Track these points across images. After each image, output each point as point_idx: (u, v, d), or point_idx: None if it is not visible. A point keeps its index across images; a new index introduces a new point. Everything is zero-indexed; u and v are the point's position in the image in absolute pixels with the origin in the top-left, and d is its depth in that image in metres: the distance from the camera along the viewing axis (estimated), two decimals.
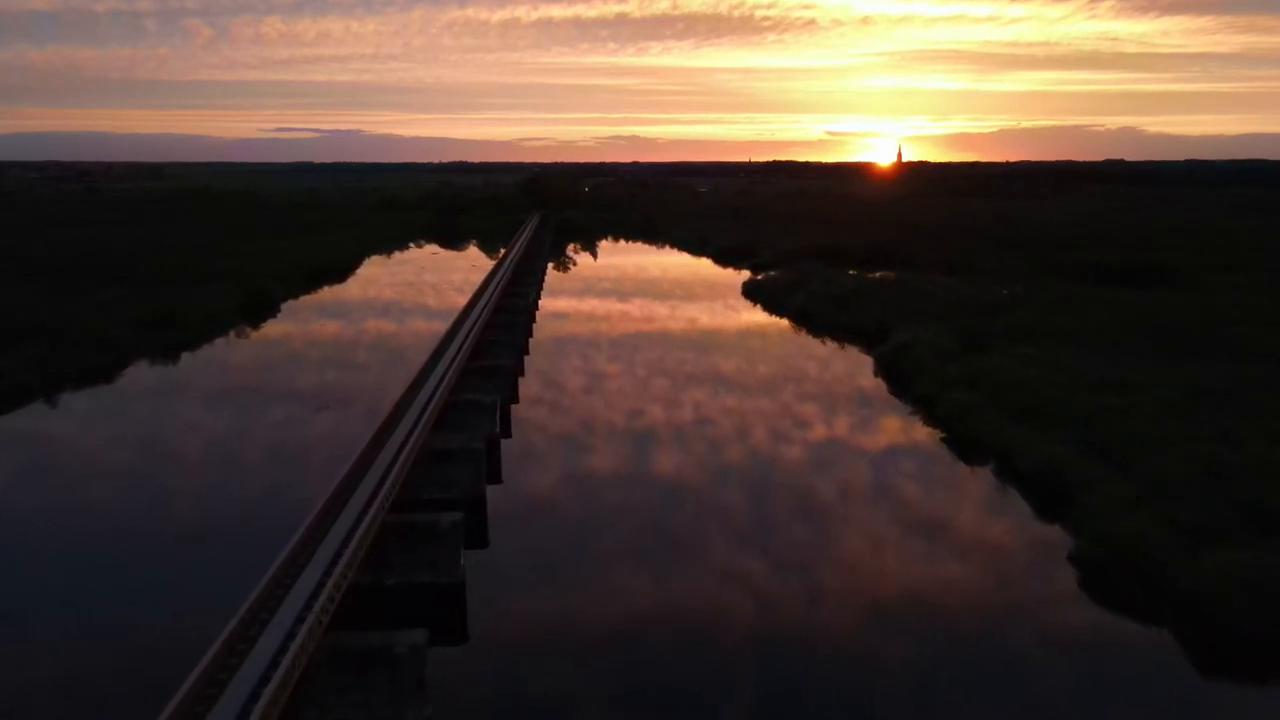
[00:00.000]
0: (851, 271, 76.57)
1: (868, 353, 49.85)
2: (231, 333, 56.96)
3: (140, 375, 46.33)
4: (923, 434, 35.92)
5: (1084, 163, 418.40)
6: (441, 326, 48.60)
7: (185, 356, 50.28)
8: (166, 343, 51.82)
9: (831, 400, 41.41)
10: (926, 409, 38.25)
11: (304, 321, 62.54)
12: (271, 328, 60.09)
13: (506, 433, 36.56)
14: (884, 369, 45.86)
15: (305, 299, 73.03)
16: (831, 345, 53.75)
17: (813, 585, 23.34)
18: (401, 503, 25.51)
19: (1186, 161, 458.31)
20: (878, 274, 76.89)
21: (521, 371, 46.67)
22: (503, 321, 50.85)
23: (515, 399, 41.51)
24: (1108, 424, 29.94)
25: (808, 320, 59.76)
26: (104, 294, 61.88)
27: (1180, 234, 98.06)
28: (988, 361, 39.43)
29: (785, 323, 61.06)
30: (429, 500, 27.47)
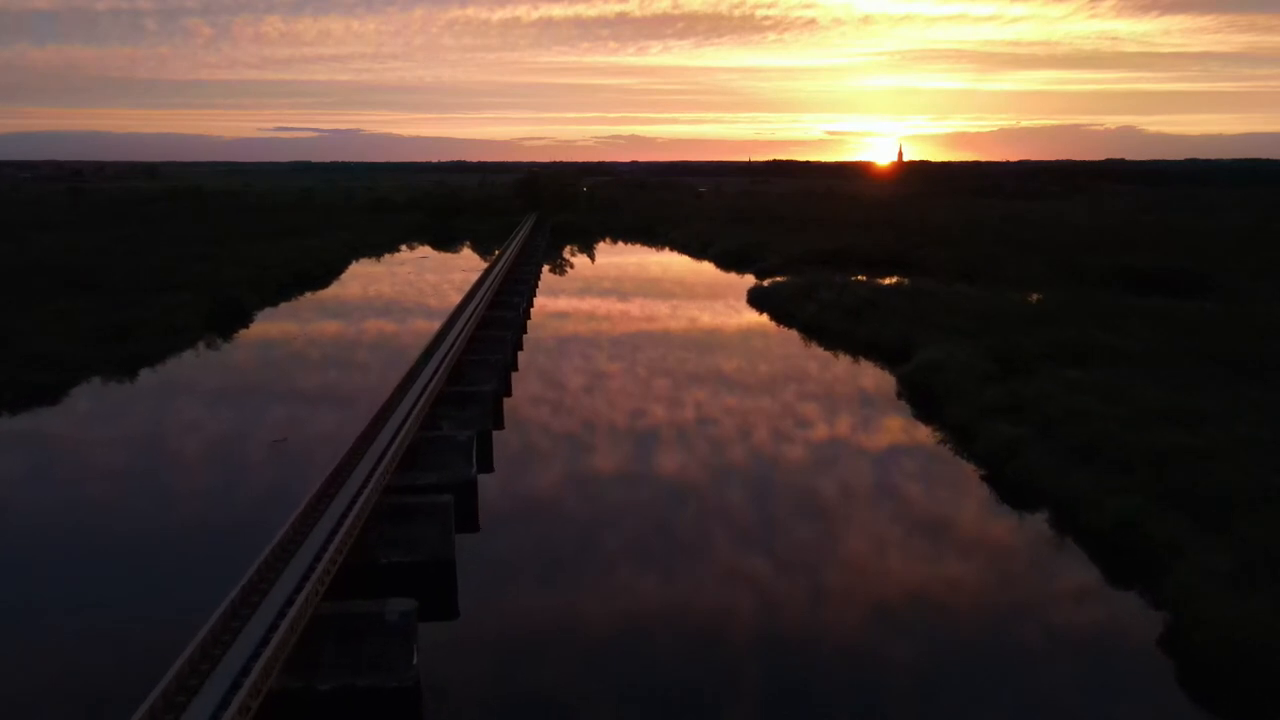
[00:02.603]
0: (861, 277, 72.20)
1: (889, 371, 45.40)
2: (195, 347, 52.38)
3: (89, 394, 41.94)
4: (961, 471, 31.43)
5: (1083, 162, 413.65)
6: (425, 335, 45.07)
7: (141, 374, 45.77)
8: (123, 357, 47.37)
9: (850, 427, 37.00)
10: (963, 441, 33.74)
11: (276, 334, 57.96)
12: (240, 341, 55.53)
13: (487, 466, 32.22)
14: (908, 391, 41.36)
15: (283, 306, 68.63)
16: (847, 361, 49.27)
17: (854, 657, 18.96)
18: (352, 567, 21.23)
19: (1187, 161, 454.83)
20: (891, 280, 72.64)
21: (508, 392, 42.33)
22: (488, 337, 46.33)
23: (500, 424, 37.18)
24: (1186, 468, 25.47)
25: (820, 332, 55.28)
26: (64, 303, 57.54)
27: (1201, 236, 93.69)
28: (1031, 386, 34.98)
29: (795, 334, 56.55)
30: (386, 564, 23.26)
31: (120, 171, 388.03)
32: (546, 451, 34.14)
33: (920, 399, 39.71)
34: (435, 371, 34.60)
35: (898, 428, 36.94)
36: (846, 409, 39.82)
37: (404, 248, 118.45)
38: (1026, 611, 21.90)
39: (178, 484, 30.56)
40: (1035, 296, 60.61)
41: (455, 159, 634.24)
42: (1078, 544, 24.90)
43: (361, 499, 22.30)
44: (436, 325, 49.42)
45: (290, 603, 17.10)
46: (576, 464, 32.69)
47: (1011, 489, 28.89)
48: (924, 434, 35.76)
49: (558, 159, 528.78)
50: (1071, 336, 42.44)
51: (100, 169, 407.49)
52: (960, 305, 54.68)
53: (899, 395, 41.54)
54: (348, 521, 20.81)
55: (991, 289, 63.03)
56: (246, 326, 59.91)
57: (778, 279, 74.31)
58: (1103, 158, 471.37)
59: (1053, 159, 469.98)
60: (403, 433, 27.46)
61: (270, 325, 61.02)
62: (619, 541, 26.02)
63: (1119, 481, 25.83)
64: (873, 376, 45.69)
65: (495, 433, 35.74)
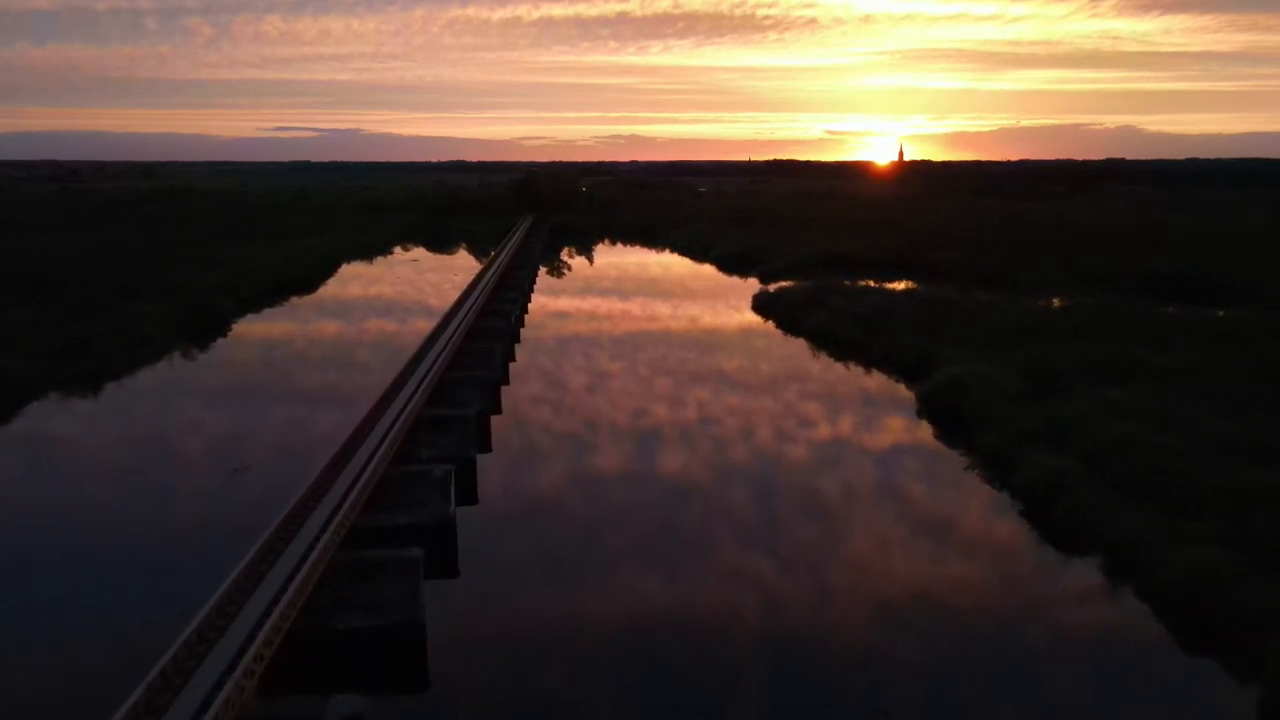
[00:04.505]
0: (871, 283, 69.03)
1: (908, 387, 42.17)
2: (164, 360, 49.04)
3: (40, 414, 38.76)
4: (997, 508, 28.21)
5: (1083, 162, 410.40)
6: (412, 343, 43.11)
7: (101, 392, 42.53)
8: (83, 374, 44.07)
9: (868, 452, 33.78)
10: (997, 472, 30.41)
11: (251, 346, 54.43)
12: (213, 354, 52.09)
13: (471, 497, 29.01)
14: (930, 411, 38.09)
15: (265, 312, 65.45)
16: (860, 374, 46.03)
17: None
18: (302, 634, 18.11)
19: (1187, 160, 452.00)
20: (903, 285, 69.59)
21: (497, 409, 39.10)
22: (475, 350, 43.09)
23: (487, 447, 33.98)
24: (1265, 513, 22.23)
25: (830, 343, 51.97)
26: (27, 311, 54.30)
27: (1204, 237, 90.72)
28: (1070, 408, 31.73)
29: (804, 344, 53.26)
30: (344, 630, 19.99)
31: (119, 171, 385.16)
32: (536, 480, 30.97)
33: (945, 421, 36.42)
34: (412, 395, 31.39)
35: (921, 454, 33.64)
36: (864, 430, 36.60)
37: (398, 249, 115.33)
38: (1086, 677, 18.68)
39: (117, 523, 27.36)
40: (1057, 302, 57.48)
41: (455, 159, 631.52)
42: (1140, 600, 21.66)
43: (314, 554, 19.13)
44: (426, 329, 46.79)
45: (207, 705, 13.90)
46: (568, 495, 29.52)
47: (1058, 531, 25.57)
48: (952, 461, 32.48)
49: (557, 159, 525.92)
50: (1107, 350, 39.20)
51: (99, 169, 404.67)
52: (979, 314, 51.53)
53: (919, 414, 38.31)
54: (293, 587, 17.65)
55: (1008, 295, 59.91)
56: (223, 336, 56.64)
57: (783, 284, 71.30)
58: (1103, 157, 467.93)
59: (1053, 159, 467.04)
60: (370, 468, 24.31)
61: (248, 336, 57.53)
62: (612, 588, 22.91)
63: (1187, 527, 22.60)
64: (888, 392, 42.45)
65: (481, 457, 32.54)
